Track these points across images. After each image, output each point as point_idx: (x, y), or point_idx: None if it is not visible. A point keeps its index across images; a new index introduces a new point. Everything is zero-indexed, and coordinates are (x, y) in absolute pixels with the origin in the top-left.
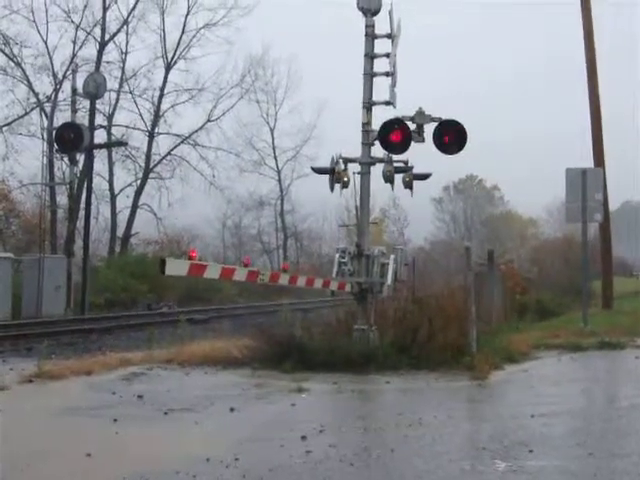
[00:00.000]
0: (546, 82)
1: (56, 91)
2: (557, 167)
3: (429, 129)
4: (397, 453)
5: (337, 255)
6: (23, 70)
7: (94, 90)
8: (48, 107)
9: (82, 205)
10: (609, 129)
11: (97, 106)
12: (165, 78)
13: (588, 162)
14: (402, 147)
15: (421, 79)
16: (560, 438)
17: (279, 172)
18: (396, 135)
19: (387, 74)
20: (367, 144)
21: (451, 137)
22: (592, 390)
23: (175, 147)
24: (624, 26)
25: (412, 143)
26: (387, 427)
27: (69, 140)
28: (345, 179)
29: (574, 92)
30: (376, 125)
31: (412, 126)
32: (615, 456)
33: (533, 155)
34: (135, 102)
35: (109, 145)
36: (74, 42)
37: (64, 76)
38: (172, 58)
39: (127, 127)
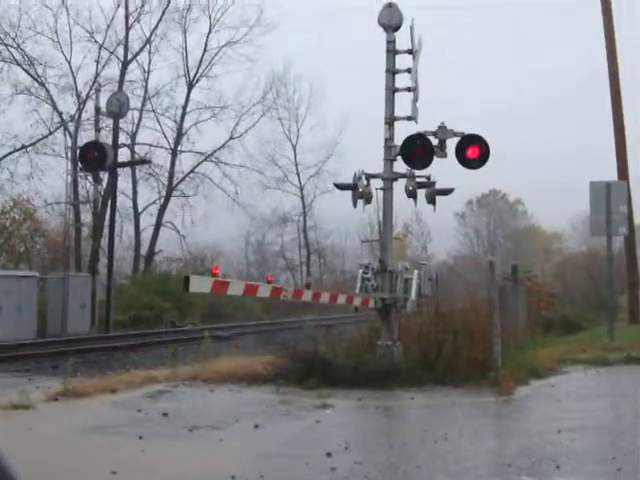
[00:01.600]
0: (570, 96)
1: (80, 110)
2: (581, 180)
3: (452, 144)
4: (423, 470)
5: (360, 271)
6: (47, 90)
7: (117, 109)
8: (72, 126)
9: (106, 223)
10: (633, 141)
11: (120, 125)
12: (187, 96)
13: (612, 175)
14: (424, 162)
15: (444, 93)
16: (587, 454)
17: (302, 188)
18: (418, 150)
19: (409, 89)
20: (389, 160)
21: (474, 152)
22: (619, 405)
23: (198, 165)
24: None
25: (434, 158)
26: (412, 443)
27: (93, 159)
28: (368, 195)
29: (599, 105)
30: (398, 140)
31: (434, 141)
32: None
33: (557, 169)
34: (158, 120)
35: (133, 163)
36: (97, 62)
37: (87, 95)
38: (194, 76)
39: (150, 145)
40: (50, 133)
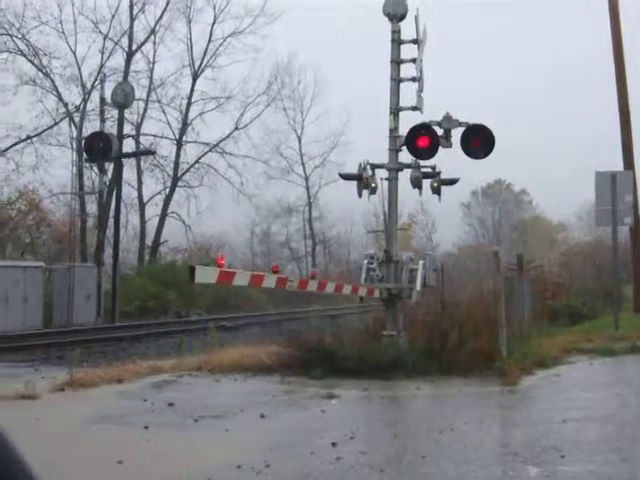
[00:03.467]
0: (576, 85)
1: (85, 101)
2: (587, 170)
3: (457, 134)
4: (428, 459)
5: (365, 261)
6: (52, 81)
7: (122, 100)
8: (77, 117)
9: (111, 214)
10: (639, 130)
11: (125, 115)
12: (192, 87)
13: (618, 165)
14: (429, 152)
15: (449, 83)
16: (593, 443)
17: (307, 179)
18: (423, 140)
19: (414, 79)
20: (394, 150)
21: (479, 142)
22: (625, 395)
23: (203, 155)
24: None
25: (439, 148)
26: (418, 433)
27: (98, 149)
28: (373, 185)
29: (604, 95)
30: (403, 130)
31: (439, 131)
32: None
33: (562, 158)
34: (163, 111)
35: (138, 154)
36: (102, 52)
37: (92, 86)
38: (199, 67)
39: (155, 136)
40: (55, 124)
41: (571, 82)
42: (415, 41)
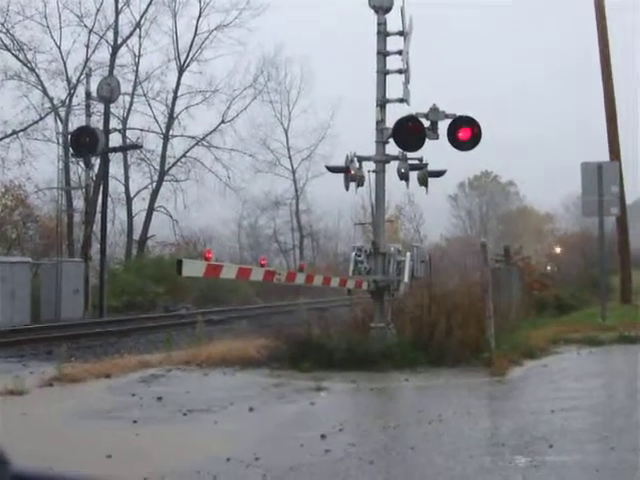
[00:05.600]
0: (561, 77)
1: (70, 95)
2: (573, 162)
3: (443, 126)
4: (417, 450)
5: (353, 253)
6: (37, 75)
7: (108, 94)
8: (63, 112)
9: (98, 209)
10: (624, 122)
11: (111, 110)
12: (178, 80)
13: (604, 156)
14: (416, 144)
15: (435, 77)
16: (581, 433)
17: (294, 172)
18: (410, 132)
19: (400, 71)
20: (381, 142)
21: (465, 134)
22: (612, 384)
23: (190, 149)
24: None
25: (426, 140)
26: (406, 425)
27: (84, 144)
28: (360, 177)
29: (590, 87)
30: (390, 123)
31: (426, 123)
32: (637, 450)
33: (549, 150)
34: (149, 105)
35: (124, 148)
36: (87, 46)
37: (78, 80)
38: (185, 60)
39: (142, 130)
40: (41, 118)
41: (558, 76)
42: (401, 33)
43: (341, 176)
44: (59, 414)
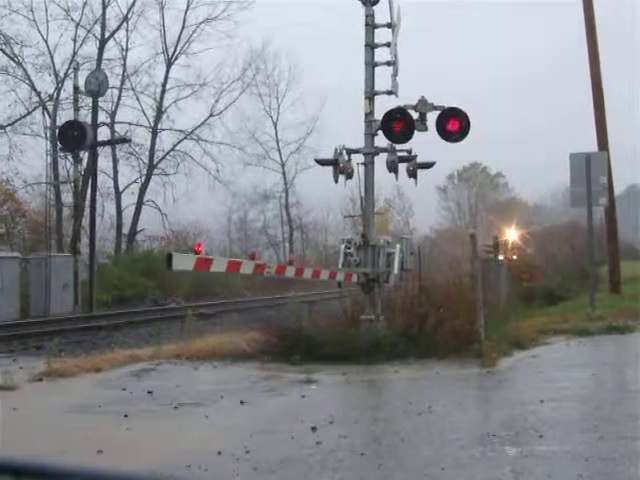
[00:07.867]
0: (549, 69)
1: (58, 90)
2: (561, 153)
3: (432, 118)
4: (407, 442)
5: (343, 246)
6: (24, 70)
7: (96, 88)
8: (50, 106)
9: (87, 203)
10: (612, 113)
11: (99, 104)
12: (166, 74)
13: (592, 147)
14: (405, 136)
15: (424, 69)
16: (570, 422)
17: (283, 165)
18: (399, 124)
19: (388, 63)
20: (370, 134)
21: (454, 125)
22: (601, 374)
23: (178, 143)
24: (627, 10)
25: (415, 132)
26: (397, 416)
27: (72, 138)
28: (349, 170)
29: (578, 78)
30: (379, 115)
31: (415, 115)
32: (626, 439)
33: (537, 142)
34: (137, 99)
35: (113, 142)
36: (74, 40)
37: (66, 74)
38: (173, 54)
39: (130, 124)
40: (28, 113)
41: (545, 67)
42: (389, 25)
43: (330, 169)
44: (49, 409)
